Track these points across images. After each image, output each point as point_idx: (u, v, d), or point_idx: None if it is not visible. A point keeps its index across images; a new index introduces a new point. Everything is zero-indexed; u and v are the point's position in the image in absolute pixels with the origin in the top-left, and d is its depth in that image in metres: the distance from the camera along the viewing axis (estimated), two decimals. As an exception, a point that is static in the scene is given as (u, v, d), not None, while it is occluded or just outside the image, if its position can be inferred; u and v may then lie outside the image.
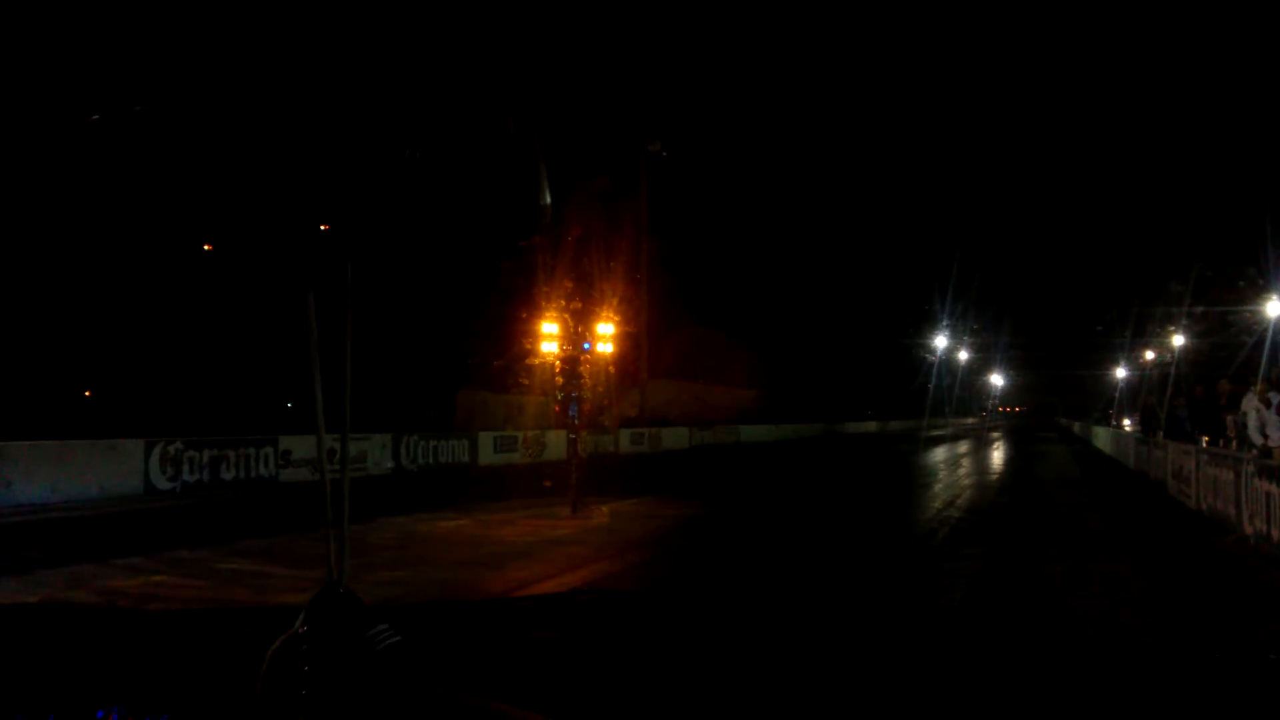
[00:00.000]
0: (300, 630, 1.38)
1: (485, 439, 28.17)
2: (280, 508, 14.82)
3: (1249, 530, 11.48)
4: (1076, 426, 69.04)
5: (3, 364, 27.05)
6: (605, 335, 19.65)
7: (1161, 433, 20.88)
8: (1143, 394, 36.39)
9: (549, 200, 1.98)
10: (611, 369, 31.34)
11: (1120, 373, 52.73)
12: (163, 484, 17.69)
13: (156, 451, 17.74)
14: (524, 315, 26.72)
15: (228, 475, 18.93)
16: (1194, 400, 19.22)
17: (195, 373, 27.77)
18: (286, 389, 28.96)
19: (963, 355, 78.87)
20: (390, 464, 23.58)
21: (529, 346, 25.17)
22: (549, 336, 18.65)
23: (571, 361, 19.22)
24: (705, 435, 43.31)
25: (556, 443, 27.87)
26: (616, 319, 23.17)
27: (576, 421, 16.58)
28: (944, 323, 67.17)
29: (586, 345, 19.39)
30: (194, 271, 26.29)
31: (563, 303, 22.44)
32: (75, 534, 12.17)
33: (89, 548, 10.57)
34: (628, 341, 31.04)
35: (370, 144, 1.56)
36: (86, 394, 29.69)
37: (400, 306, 31.25)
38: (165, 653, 1.53)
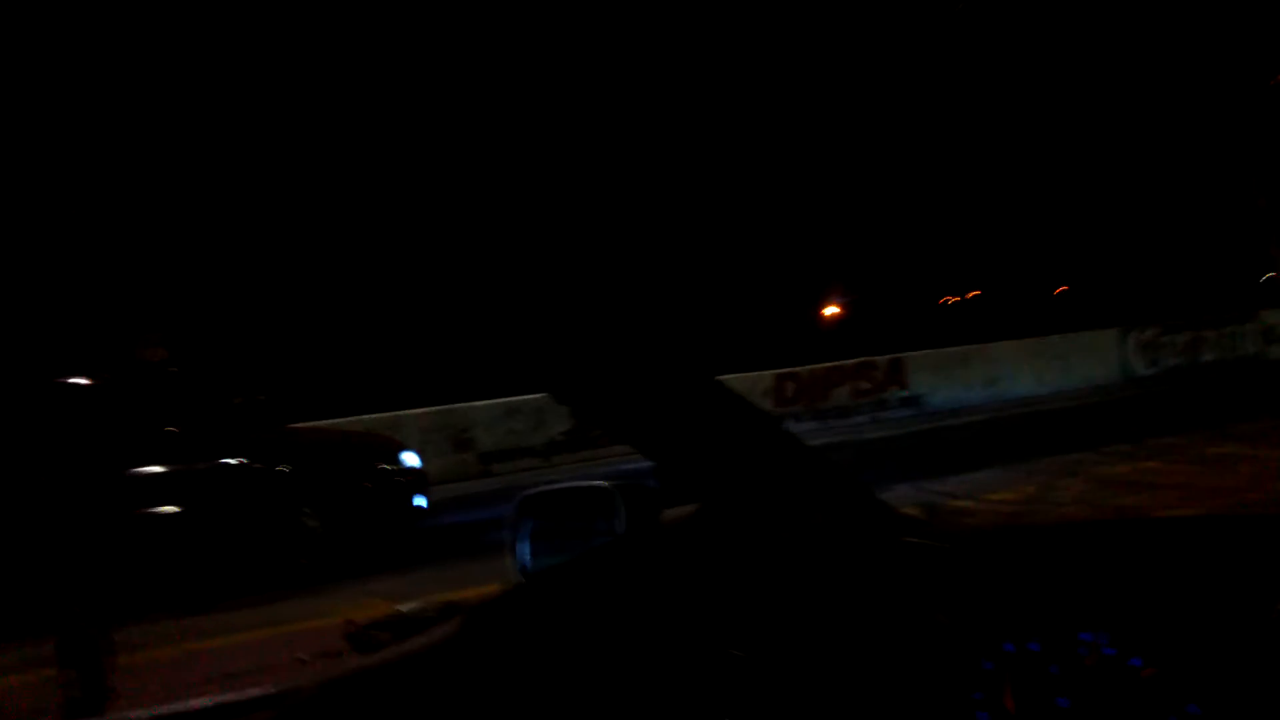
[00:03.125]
0: None
1: None
2: (1268, 387, 14.02)
3: None
4: None
5: (985, 270, 30.45)
6: None
7: None
8: None
9: None
10: None
11: None
12: (1140, 370, 18.10)
13: (1131, 339, 18.20)
14: None
15: (1207, 357, 18.48)
16: None
17: (1163, 257, 27.57)
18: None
19: None
20: None
21: None
22: None
23: None
24: None
25: None
26: None
27: None
28: None
29: None
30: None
31: None
32: (1061, 424, 13.21)
33: (1077, 436, 11.32)
34: None
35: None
36: (1061, 289, 31.78)
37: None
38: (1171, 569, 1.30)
